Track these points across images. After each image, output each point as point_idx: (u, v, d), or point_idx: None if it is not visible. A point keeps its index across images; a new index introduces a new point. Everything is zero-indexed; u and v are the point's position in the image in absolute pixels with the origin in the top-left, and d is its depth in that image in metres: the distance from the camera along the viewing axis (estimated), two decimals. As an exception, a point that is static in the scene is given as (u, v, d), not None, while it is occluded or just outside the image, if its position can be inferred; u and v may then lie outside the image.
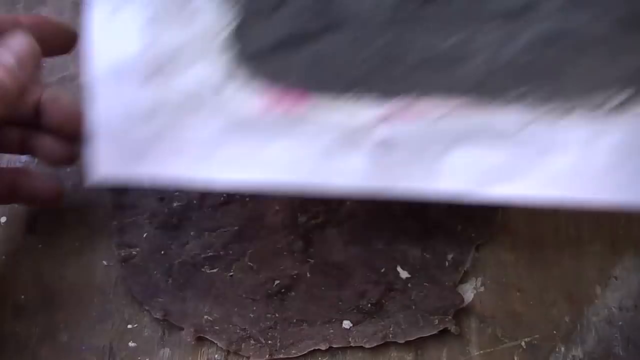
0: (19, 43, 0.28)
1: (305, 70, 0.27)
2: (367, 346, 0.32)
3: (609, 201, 0.28)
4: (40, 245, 0.35)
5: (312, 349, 0.32)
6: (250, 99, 0.27)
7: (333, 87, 0.27)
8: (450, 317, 0.32)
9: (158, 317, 0.33)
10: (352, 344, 0.32)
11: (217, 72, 0.27)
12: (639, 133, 0.27)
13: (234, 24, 0.27)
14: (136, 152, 0.28)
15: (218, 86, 0.27)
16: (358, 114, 0.27)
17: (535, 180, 0.28)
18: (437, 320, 0.32)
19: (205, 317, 0.33)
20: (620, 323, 0.33)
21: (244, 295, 0.33)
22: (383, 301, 0.33)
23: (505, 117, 0.27)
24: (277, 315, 0.33)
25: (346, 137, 0.27)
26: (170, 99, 0.28)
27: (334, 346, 0.32)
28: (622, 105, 0.27)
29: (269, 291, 0.33)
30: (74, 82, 0.40)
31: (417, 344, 0.32)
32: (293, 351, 0.32)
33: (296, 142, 0.28)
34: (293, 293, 0.33)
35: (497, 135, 0.27)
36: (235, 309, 0.33)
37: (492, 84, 0.27)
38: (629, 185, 0.27)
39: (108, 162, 0.28)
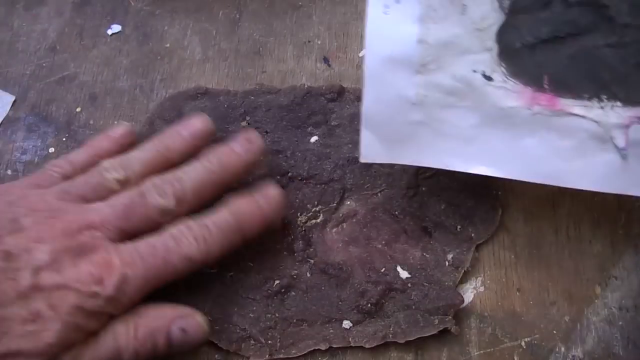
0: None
1: (559, 72, 0.28)
2: (367, 346, 0.32)
3: None
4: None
5: (312, 349, 0.32)
6: (508, 95, 0.29)
7: (583, 90, 0.28)
8: (450, 317, 0.32)
9: (158, 317, 0.33)
10: (352, 344, 0.32)
11: (482, 67, 0.29)
12: None
13: (501, 21, 0.28)
14: (401, 137, 0.31)
15: (481, 80, 0.29)
16: (605, 116, 0.28)
17: None
18: (437, 320, 0.32)
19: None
20: (620, 323, 0.33)
21: (244, 295, 0.33)
22: (383, 301, 0.33)
23: None
24: (277, 315, 0.33)
25: (594, 138, 0.28)
26: (437, 89, 0.29)
27: (334, 346, 0.32)
28: None
29: (269, 291, 0.33)
30: (73, 82, 0.40)
31: (417, 344, 0.32)
32: (293, 351, 0.32)
33: (548, 138, 0.29)
34: (293, 293, 0.33)
35: None
36: (235, 309, 0.33)
37: None
38: None
39: (375, 145, 0.31)
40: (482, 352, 0.33)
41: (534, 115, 0.29)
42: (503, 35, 0.29)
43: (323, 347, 0.32)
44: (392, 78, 0.30)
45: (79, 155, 0.33)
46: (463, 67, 0.29)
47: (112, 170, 0.31)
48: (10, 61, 0.41)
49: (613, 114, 0.28)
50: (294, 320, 0.33)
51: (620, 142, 0.28)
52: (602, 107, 0.28)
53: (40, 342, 0.26)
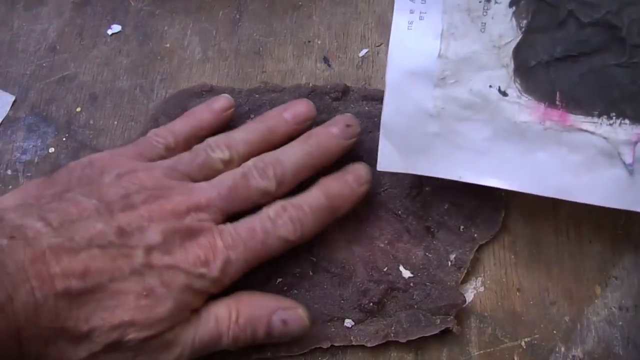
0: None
1: (571, 89, 0.29)
2: (368, 345, 0.32)
3: None
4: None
5: (313, 347, 0.32)
6: (521, 110, 0.30)
7: (593, 107, 0.29)
8: (452, 316, 0.32)
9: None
10: (353, 343, 0.32)
11: (498, 83, 0.30)
12: None
13: (517, 39, 0.30)
14: (417, 147, 0.32)
15: (496, 95, 0.30)
16: (614, 132, 0.29)
17: None
18: (439, 320, 0.32)
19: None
20: (620, 323, 0.33)
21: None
22: (385, 300, 0.33)
23: None
24: (278, 313, 0.33)
25: (602, 153, 0.29)
26: (454, 103, 0.31)
27: (336, 345, 0.32)
28: None
29: (272, 289, 0.33)
30: (73, 82, 0.40)
31: (417, 344, 0.32)
32: (294, 349, 0.32)
33: (559, 153, 0.30)
34: (295, 291, 0.33)
35: None
36: (236, 309, 0.33)
37: None
38: None
39: (392, 154, 0.32)
40: (482, 352, 0.33)
41: (546, 130, 0.30)
42: (519, 53, 0.30)
43: (325, 346, 0.32)
44: (412, 90, 0.31)
45: (182, 126, 0.34)
46: (480, 82, 0.30)
47: (217, 150, 0.32)
48: (10, 61, 0.41)
49: (621, 130, 0.29)
50: (296, 319, 0.33)
51: (628, 158, 0.29)
52: (611, 124, 0.29)
53: (153, 315, 0.27)
